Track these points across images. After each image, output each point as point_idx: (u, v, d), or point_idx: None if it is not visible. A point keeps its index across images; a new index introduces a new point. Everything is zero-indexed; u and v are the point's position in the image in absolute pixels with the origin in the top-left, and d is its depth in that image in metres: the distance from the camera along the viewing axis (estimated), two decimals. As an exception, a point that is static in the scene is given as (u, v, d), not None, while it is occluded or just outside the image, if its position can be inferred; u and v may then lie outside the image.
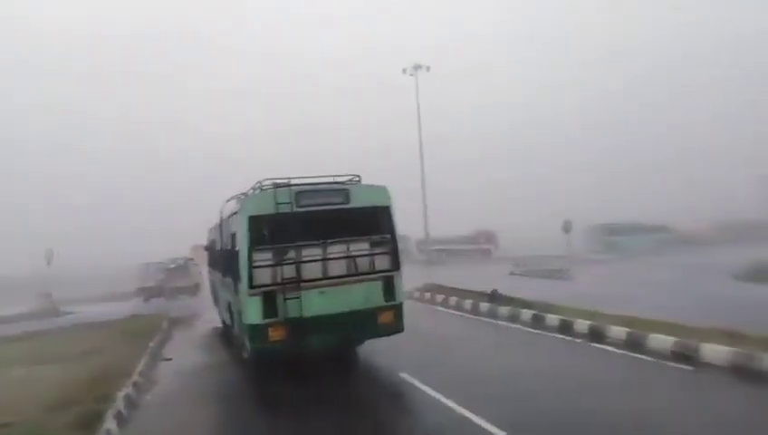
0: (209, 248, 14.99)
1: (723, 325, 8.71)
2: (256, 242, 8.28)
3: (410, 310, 9.71)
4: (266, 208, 8.38)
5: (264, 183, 8.76)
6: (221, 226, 11.16)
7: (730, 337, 8.15)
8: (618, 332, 9.77)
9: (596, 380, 7.76)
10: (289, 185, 8.60)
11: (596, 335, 10.12)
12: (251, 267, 8.22)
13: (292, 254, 8.38)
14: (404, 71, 38.93)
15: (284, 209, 8.39)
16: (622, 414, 6.27)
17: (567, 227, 26.05)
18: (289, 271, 8.32)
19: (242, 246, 8.37)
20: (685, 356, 8.25)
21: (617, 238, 39.22)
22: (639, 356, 8.64)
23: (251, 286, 8.19)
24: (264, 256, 8.28)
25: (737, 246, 28.21)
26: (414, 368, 8.66)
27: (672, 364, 8.07)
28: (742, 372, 7.40)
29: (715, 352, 7.94)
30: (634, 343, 9.23)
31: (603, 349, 9.36)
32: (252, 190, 8.97)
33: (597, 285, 19.42)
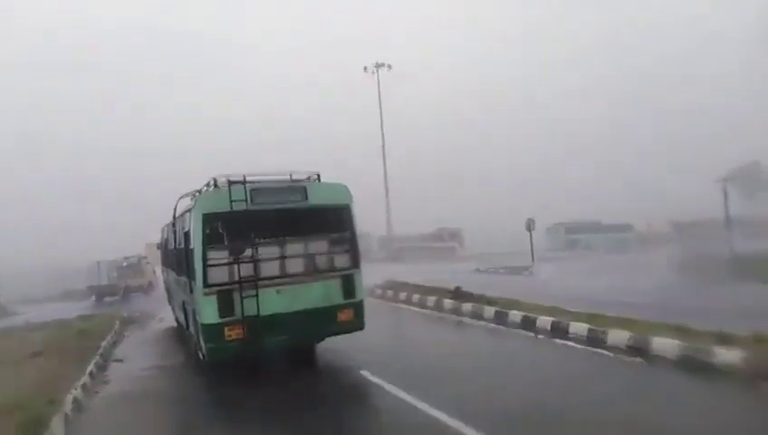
0: (163, 247, 14.54)
1: (671, 320, 8.94)
2: (211, 240, 8.04)
3: (372, 308, 9.62)
4: (221, 206, 8.14)
5: (218, 180, 8.49)
6: (174, 223, 10.80)
7: (676, 331, 8.40)
8: (578, 327, 9.90)
9: (560, 375, 7.83)
10: (244, 182, 8.36)
11: (558, 331, 10.24)
12: (205, 266, 7.98)
13: (248, 252, 8.16)
14: (365, 69, 38.97)
15: (239, 207, 8.16)
16: (587, 406, 6.31)
17: (530, 226, 26.52)
18: (245, 269, 8.10)
19: (196, 244, 8.12)
20: (637, 350, 8.41)
21: (579, 237, 40.24)
22: (598, 351, 8.76)
23: (206, 285, 7.95)
24: (218, 255, 8.05)
25: (691, 243, 29.28)
26: (374, 366, 8.55)
27: (628, 359, 8.20)
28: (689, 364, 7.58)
29: (664, 345, 8.15)
30: (594, 339, 9.36)
31: (565, 344, 9.47)
32: (206, 187, 8.69)
33: (558, 282, 19.77)
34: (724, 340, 7.65)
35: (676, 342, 8.00)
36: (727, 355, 7.19)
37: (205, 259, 7.97)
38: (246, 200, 8.23)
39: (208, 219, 8.09)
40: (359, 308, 8.89)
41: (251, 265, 8.13)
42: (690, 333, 8.23)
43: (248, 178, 8.43)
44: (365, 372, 8.34)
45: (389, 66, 39.00)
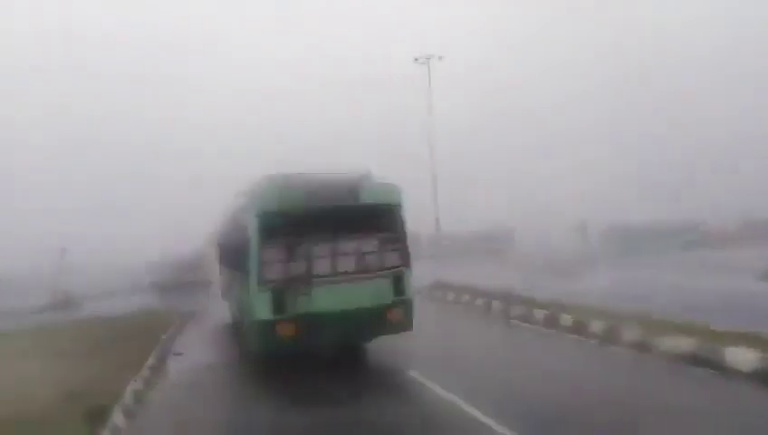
0: (220, 244, 14.97)
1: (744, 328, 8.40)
2: (266, 237, 8.21)
3: (421, 308, 9.59)
4: (277, 204, 8.32)
5: (274, 177, 8.68)
6: (231, 221, 11.11)
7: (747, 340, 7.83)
8: (632, 334, 9.48)
9: (610, 383, 7.55)
10: (300, 180, 8.51)
11: (610, 338, 9.86)
12: (260, 263, 8.16)
13: (301, 250, 8.30)
14: (416, 60, 38.54)
15: (294, 205, 8.32)
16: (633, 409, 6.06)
17: (582, 227, 25.72)
18: (298, 267, 8.23)
19: (252, 241, 8.31)
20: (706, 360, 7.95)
21: (639, 239, 38.45)
22: (648, 357, 8.39)
23: (260, 282, 8.14)
24: (273, 252, 8.21)
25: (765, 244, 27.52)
26: (423, 366, 8.52)
27: (697, 369, 7.79)
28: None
29: (739, 355, 7.55)
30: (645, 345, 8.95)
31: (617, 351, 9.12)
32: (261, 184, 8.89)
33: (614, 287, 19.04)
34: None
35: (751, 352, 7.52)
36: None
37: (260, 256, 8.15)
38: (301, 199, 8.36)
39: (264, 217, 8.26)
40: (408, 308, 8.87)
41: (304, 263, 8.25)
42: None
43: (302, 177, 8.59)
44: (414, 373, 8.32)
45: (440, 57, 38.31)
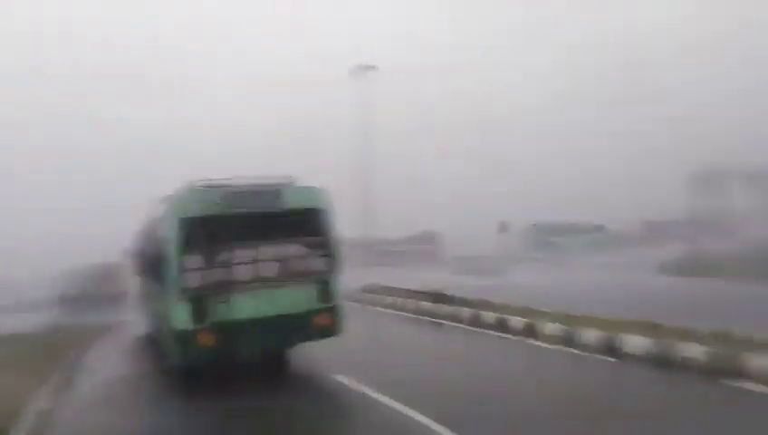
0: (137, 253, 14.23)
1: (646, 318, 9.11)
2: (186, 245, 7.89)
3: (350, 312, 9.56)
4: (196, 210, 8.02)
5: (194, 184, 8.37)
6: (149, 228, 10.59)
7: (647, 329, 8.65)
8: (548, 329, 10.00)
9: (523, 371, 8.06)
10: (221, 186, 8.27)
11: (529, 333, 10.32)
12: (180, 271, 7.83)
13: (222, 257, 8.04)
14: (349, 72, 38.78)
15: (216, 211, 8.06)
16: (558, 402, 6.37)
17: (504, 228, 26.77)
18: (219, 274, 7.97)
19: (170, 248, 7.96)
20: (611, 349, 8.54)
21: (554, 238, 40.68)
22: (570, 350, 8.89)
23: (180, 291, 7.80)
24: (193, 260, 7.89)
25: (664, 243, 29.93)
26: (352, 370, 8.48)
27: (603, 357, 8.32)
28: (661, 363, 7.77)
29: (635, 342, 8.44)
30: (559, 338, 9.49)
31: (539, 346, 9.56)
32: (181, 191, 8.53)
33: (536, 283, 19.94)
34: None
35: (646, 339, 8.17)
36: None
37: (179, 264, 7.83)
38: (223, 204, 8.13)
39: (184, 224, 7.94)
40: (336, 313, 8.80)
41: (225, 270, 8.01)
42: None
43: (223, 183, 8.35)
44: (341, 377, 8.26)
45: (375, 67, 38.78)
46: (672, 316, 9.02)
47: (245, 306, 7.98)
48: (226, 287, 7.94)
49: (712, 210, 31.26)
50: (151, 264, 10.48)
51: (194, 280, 7.86)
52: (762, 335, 7.29)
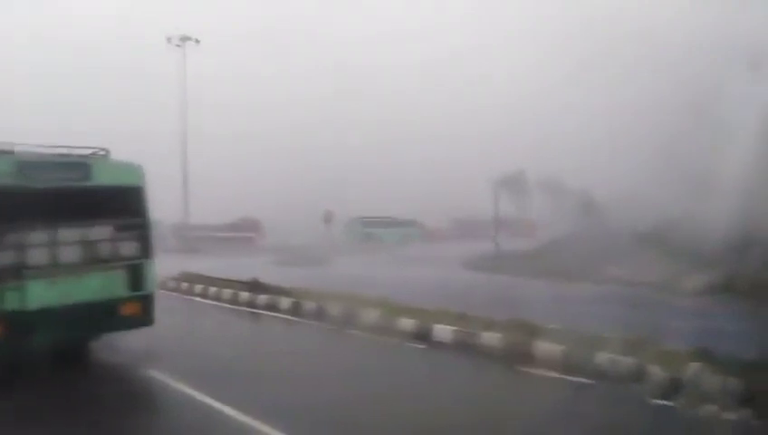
0: None
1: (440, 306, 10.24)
2: None
3: (164, 301, 9.03)
4: None
5: None
6: None
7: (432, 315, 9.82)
8: (366, 317, 10.62)
9: (350, 364, 8.41)
10: (13, 153, 7.17)
11: (348, 321, 10.82)
12: None
13: (12, 238, 7.00)
14: (169, 40, 35.79)
15: (4, 182, 6.94)
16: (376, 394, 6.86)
17: (328, 218, 27.48)
18: (8, 257, 6.94)
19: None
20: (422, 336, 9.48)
21: (372, 231, 42.99)
22: (385, 339, 9.58)
23: None
24: None
25: (468, 240, 33.66)
26: (165, 364, 8.01)
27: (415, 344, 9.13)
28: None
29: (443, 331, 9.41)
30: (375, 327, 10.15)
31: (354, 333, 10.12)
32: None
33: (355, 272, 20.85)
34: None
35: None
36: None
37: None
38: (14, 178, 7.05)
39: None
40: (147, 302, 8.22)
41: (16, 253, 7.01)
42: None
43: (18, 150, 7.29)
44: (154, 372, 7.78)
45: (197, 40, 36.19)
46: (475, 307, 10.14)
47: (41, 294, 7.08)
48: (17, 273, 6.96)
49: (513, 212, 36.06)
50: None
51: None
52: (549, 325, 8.52)
